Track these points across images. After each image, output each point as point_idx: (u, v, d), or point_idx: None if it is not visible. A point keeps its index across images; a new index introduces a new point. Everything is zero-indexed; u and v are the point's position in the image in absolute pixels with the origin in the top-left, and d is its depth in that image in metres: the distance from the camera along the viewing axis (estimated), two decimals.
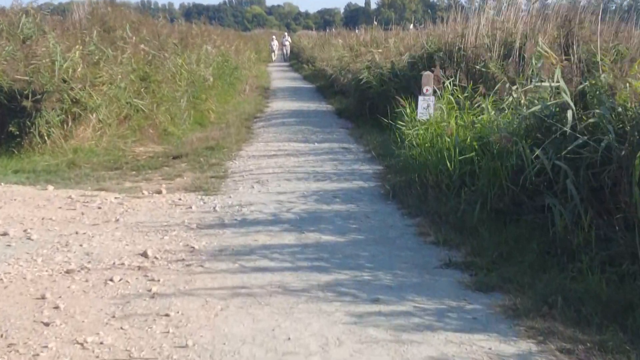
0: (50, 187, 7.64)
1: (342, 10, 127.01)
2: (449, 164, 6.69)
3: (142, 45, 11.84)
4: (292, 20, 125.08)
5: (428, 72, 8.35)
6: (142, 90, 11.40)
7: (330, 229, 6.01)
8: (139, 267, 4.96)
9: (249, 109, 16.12)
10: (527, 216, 5.64)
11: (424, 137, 7.57)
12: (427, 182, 6.84)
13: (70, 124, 9.69)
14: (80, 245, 5.49)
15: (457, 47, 11.12)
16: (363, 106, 13.72)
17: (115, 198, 7.17)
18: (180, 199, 7.15)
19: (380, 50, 14.36)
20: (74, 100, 9.58)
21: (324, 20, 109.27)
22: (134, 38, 11.99)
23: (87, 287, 4.55)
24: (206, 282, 4.67)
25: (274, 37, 44.76)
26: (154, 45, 13.01)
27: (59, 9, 15.83)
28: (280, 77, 28.72)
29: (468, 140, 6.74)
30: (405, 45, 15.21)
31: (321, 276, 4.79)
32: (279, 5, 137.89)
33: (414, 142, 7.80)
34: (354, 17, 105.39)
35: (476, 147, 6.58)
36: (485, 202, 5.96)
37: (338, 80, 18.57)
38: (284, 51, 42.64)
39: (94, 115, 10.06)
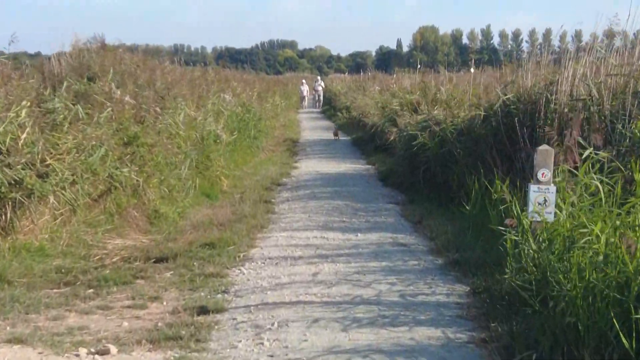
0: None
1: (373, 53, 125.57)
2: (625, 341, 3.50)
3: (126, 98, 8.91)
4: (324, 63, 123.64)
5: (545, 146, 5.22)
6: (125, 158, 8.49)
7: None
8: None
9: (272, 172, 13.12)
10: None
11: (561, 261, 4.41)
12: (582, 357, 3.67)
13: (9, 214, 6.76)
14: None
15: (544, 99, 8.08)
16: (415, 171, 10.65)
17: None
18: None
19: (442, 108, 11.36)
20: (14, 181, 6.66)
21: (355, 63, 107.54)
22: (118, 90, 9.08)
23: None
24: None
25: (303, 81, 41.22)
26: (150, 97, 10.14)
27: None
28: (311, 126, 25.75)
29: None
30: (465, 92, 12.30)
31: None
32: (310, 49, 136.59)
33: (534, 262, 4.68)
34: (385, 60, 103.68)
35: None
36: None
37: (380, 134, 15.55)
38: (316, 97, 39.12)
39: (51, 198, 7.16)
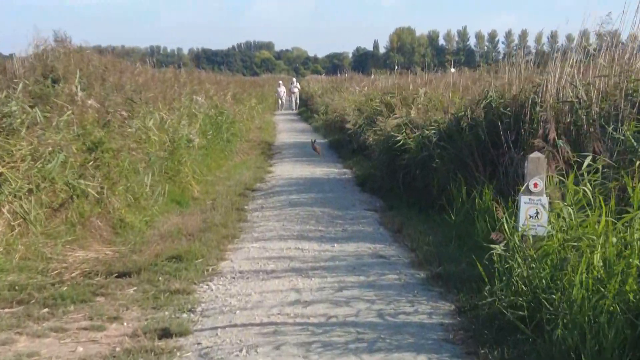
0: None
1: (350, 54, 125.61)
2: None
3: (90, 101, 8.42)
4: (300, 64, 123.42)
5: (537, 154, 4.84)
6: (89, 165, 8.00)
7: None
8: None
9: (246, 177, 12.66)
10: None
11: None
12: None
13: None
14: None
15: (530, 102, 7.70)
16: (394, 175, 10.27)
17: None
18: None
19: (418, 106, 10.95)
20: None
21: (332, 64, 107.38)
22: (81, 93, 8.58)
23: None
24: None
25: (280, 82, 40.55)
26: (117, 100, 9.64)
27: None
28: (287, 128, 25.30)
29: None
30: (443, 95, 11.95)
31: None
32: (287, 50, 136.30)
33: (524, 281, 4.29)
34: (362, 61, 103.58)
35: None
36: None
37: (357, 136, 15.16)
38: (293, 98, 38.64)
39: (4, 209, 6.68)
